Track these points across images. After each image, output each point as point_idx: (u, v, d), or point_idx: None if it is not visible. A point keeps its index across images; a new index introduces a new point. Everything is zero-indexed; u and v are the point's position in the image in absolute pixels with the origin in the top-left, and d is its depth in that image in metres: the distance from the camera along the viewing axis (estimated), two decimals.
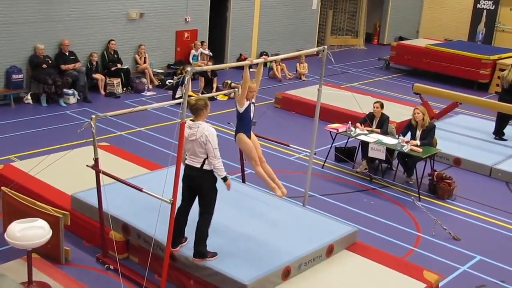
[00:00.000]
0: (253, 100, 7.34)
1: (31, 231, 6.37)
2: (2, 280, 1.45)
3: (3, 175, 9.13)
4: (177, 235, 6.82)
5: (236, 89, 9.75)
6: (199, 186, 6.76)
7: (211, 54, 17.66)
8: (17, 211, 7.33)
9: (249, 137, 7.41)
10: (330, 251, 7.46)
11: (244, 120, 7.31)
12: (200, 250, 6.79)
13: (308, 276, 7.04)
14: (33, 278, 6.63)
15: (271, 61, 17.70)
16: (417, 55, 19.77)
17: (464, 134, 13.15)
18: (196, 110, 6.67)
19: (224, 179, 6.78)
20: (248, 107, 7.26)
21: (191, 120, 6.69)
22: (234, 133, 7.43)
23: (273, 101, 15.22)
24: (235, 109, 9.00)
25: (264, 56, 8.25)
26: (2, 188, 7.88)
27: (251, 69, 7.30)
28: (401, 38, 24.25)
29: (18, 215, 6.93)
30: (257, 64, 7.60)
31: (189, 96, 6.47)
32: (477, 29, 23.61)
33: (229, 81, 15.91)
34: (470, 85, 18.27)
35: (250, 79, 7.15)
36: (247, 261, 6.88)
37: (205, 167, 6.66)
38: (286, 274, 6.85)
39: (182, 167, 6.78)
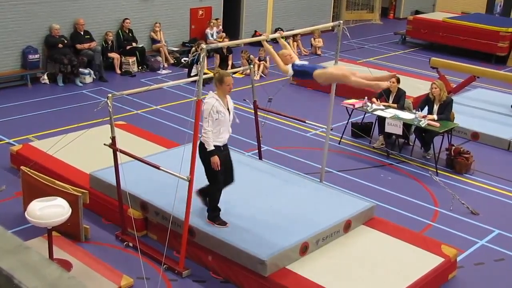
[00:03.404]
0: (296, 61, 7.18)
1: (51, 210, 6.43)
2: (27, 252, 1.49)
3: (22, 154, 9.22)
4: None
5: (252, 66, 9.74)
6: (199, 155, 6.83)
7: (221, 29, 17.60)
8: (36, 190, 7.40)
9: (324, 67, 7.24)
10: (347, 226, 7.47)
11: (303, 71, 7.14)
12: (209, 214, 7.08)
13: (325, 251, 7.06)
14: (54, 255, 6.72)
15: (286, 37, 17.58)
16: (434, 29, 19.55)
17: (482, 108, 13.04)
18: (214, 82, 6.89)
19: (209, 153, 6.71)
20: (295, 65, 7.11)
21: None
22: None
23: (289, 77, 15.13)
24: (250, 85, 9.03)
25: (279, 32, 8.20)
26: (22, 167, 7.96)
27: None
28: (417, 12, 23.98)
29: (37, 194, 7.00)
30: (272, 39, 7.58)
31: (205, 73, 6.49)
32: (495, 1, 23.26)
33: (248, 52, 15.80)
34: (488, 58, 18.06)
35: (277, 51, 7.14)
36: (265, 237, 6.92)
37: (201, 138, 6.75)
38: (304, 249, 6.87)
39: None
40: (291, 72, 7.16)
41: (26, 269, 1.43)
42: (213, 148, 6.71)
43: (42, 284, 1.40)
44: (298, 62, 7.21)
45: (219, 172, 6.83)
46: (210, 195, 7.10)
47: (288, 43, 17.40)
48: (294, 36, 17.56)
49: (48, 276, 1.41)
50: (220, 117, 6.76)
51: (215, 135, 6.77)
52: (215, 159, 6.72)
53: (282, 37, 7.65)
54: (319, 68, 7.15)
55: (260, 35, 18.29)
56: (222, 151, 6.93)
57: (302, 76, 7.32)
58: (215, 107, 6.71)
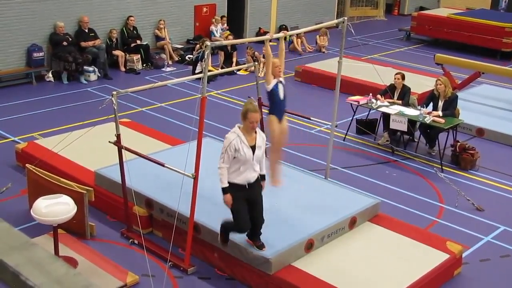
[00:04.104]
0: (281, 79, 7.07)
1: (56, 207, 6.45)
2: (34, 249, 1.50)
3: (27, 152, 9.24)
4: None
5: (257, 63, 9.74)
6: None
7: (227, 27, 17.60)
8: (42, 187, 7.43)
9: (280, 120, 7.12)
10: (352, 223, 7.47)
11: (272, 99, 7.02)
12: (222, 226, 6.63)
13: (331, 248, 7.06)
14: (60, 253, 6.73)
15: (291, 35, 17.56)
16: (439, 25, 19.49)
17: (487, 104, 13.00)
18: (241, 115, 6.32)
19: (223, 191, 6.29)
20: (276, 86, 6.98)
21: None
22: (269, 115, 7.17)
23: (294, 74, 15.15)
24: (255, 83, 9.03)
25: (284, 31, 8.17)
26: (27, 165, 7.99)
27: (270, 43, 7.24)
28: (421, 8, 23.92)
29: (43, 191, 7.02)
30: (277, 38, 7.54)
31: (210, 70, 6.45)
32: None
33: (253, 49, 15.79)
34: (493, 54, 17.99)
35: (274, 56, 7.03)
36: (270, 234, 6.91)
37: None
38: (309, 246, 6.87)
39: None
40: (270, 88, 6.97)
41: (33, 265, 1.43)
42: (226, 185, 6.27)
43: (48, 281, 1.41)
44: (281, 83, 7.06)
45: (240, 210, 6.35)
46: (228, 223, 6.56)
47: (292, 41, 17.62)
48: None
49: (54, 272, 1.42)
50: (238, 156, 6.18)
51: (235, 173, 6.26)
52: (227, 198, 6.31)
53: (285, 37, 7.61)
54: (277, 114, 7.09)
55: (265, 32, 18.34)
56: (246, 189, 6.36)
57: (269, 100, 7.12)
58: (232, 145, 6.17)
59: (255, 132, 6.39)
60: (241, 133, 6.26)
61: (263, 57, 15.43)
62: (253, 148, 6.30)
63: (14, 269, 1.41)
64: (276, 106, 7.08)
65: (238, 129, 6.31)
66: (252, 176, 6.36)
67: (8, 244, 1.50)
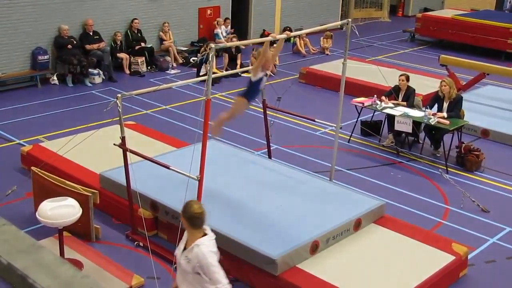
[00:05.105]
0: (268, 72, 7.23)
1: (61, 210, 6.46)
2: (41, 251, 1.51)
3: (32, 155, 9.26)
4: None
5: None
6: None
7: (232, 31, 17.62)
8: (47, 190, 7.44)
9: (248, 105, 7.33)
10: (358, 225, 7.46)
11: (252, 89, 7.15)
12: None
13: (336, 250, 7.05)
14: (65, 255, 6.74)
15: (294, 36, 17.56)
16: (443, 26, 19.47)
17: (492, 105, 12.97)
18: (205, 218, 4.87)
19: None
20: (261, 79, 7.09)
21: (202, 236, 4.85)
22: (240, 96, 7.26)
23: (298, 76, 15.14)
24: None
25: (287, 32, 8.16)
26: (32, 168, 8.00)
27: (274, 45, 7.25)
28: (426, 10, 23.89)
29: (48, 194, 7.04)
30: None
31: (214, 73, 6.44)
32: None
33: (254, 52, 15.80)
34: (497, 55, 17.96)
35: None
36: (275, 236, 6.92)
37: None
38: (314, 248, 6.87)
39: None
40: (255, 79, 7.03)
41: (40, 268, 1.44)
42: None
43: (55, 283, 1.41)
44: (266, 76, 7.16)
45: None
46: None
47: (295, 43, 17.60)
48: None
49: (62, 275, 1.42)
50: None
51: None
52: None
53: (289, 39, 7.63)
54: (249, 100, 7.20)
55: (269, 34, 18.33)
56: None
57: (248, 87, 7.17)
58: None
59: None
60: None
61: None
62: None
63: (22, 271, 1.42)
64: (252, 94, 7.22)
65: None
66: None
67: (15, 247, 1.50)
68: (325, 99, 13.48)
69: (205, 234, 4.85)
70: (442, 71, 14.26)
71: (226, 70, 14.89)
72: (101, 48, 14.62)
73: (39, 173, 7.77)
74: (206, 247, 4.72)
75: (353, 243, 7.23)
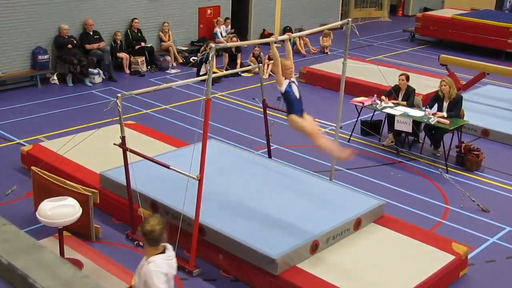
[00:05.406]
0: (293, 79, 6.95)
1: (61, 210, 6.46)
2: (41, 251, 1.51)
3: (32, 155, 9.26)
4: None
5: (261, 64, 9.75)
6: None
7: (232, 30, 17.63)
8: (47, 190, 7.44)
9: (301, 116, 6.94)
10: (357, 224, 7.46)
11: (289, 100, 6.88)
12: None
13: (336, 249, 7.06)
14: (65, 255, 6.74)
15: (296, 37, 17.56)
16: (443, 26, 19.47)
17: (492, 105, 12.97)
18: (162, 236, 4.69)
19: None
20: (289, 86, 6.85)
21: (157, 254, 4.68)
22: (288, 115, 6.99)
23: (298, 76, 15.13)
24: (259, 84, 9.04)
25: (288, 33, 8.14)
26: (32, 167, 8.00)
27: (276, 44, 7.23)
28: (426, 9, 23.89)
29: (48, 194, 7.04)
30: (282, 40, 7.52)
31: (214, 72, 6.42)
32: None
33: (258, 49, 15.79)
34: (497, 55, 17.96)
35: (281, 57, 6.94)
36: (275, 235, 6.92)
37: None
38: (314, 248, 6.87)
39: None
40: (283, 89, 6.82)
41: (40, 268, 1.44)
42: None
43: (55, 283, 1.41)
44: (294, 82, 6.92)
45: None
46: None
47: (295, 43, 17.61)
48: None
49: (62, 275, 1.42)
50: None
51: None
52: None
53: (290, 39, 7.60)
54: (297, 112, 6.89)
55: (269, 33, 18.34)
56: None
57: (285, 101, 6.96)
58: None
59: None
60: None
61: (268, 59, 15.45)
62: None
63: (22, 271, 1.42)
64: (294, 105, 6.90)
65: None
66: None
67: (16, 247, 1.51)
68: (325, 99, 13.48)
69: (162, 252, 4.68)
70: (442, 71, 14.26)
71: (226, 69, 14.89)
72: (101, 48, 14.62)
73: (39, 172, 7.77)
74: (154, 266, 4.55)
75: (353, 243, 7.23)
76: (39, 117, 12.01)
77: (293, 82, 6.94)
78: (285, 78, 6.86)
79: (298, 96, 6.91)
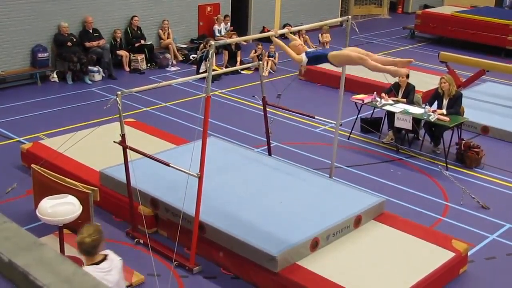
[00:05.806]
0: (307, 48, 7.02)
1: (62, 207, 6.46)
2: (42, 249, 1.51)
3: (32, 153, 9.26)
4: None
5: (261, 62, 9.75)
6: None
7: (231, 28, 17.62)
8: (47, 188, 7.44)
9: None
10: (358, 221, 7.47)
11: (318, 55, 6.87)
12: None
13: (336, 247, 7.06)
14: (65, 253, 6.75)
15: (295, 32, 17.52)
16: (443, 23, 19.46)
17: (492, 102, 12.97)
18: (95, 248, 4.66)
19: None
20: (307, 53, 6.88)
21: (91, 264, 4.65)
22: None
23: (298, 73, 15.14)
24: (259, 82, 9.04)
25: (288, 27, 8.16)
26: (32, 165, 8.00)
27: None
28: (426, 6, 23.88)
29: (48, 192, 7.03)
30: (282, 35, 7.55)
31: (214, 70, 6.43)
32: None
33: (260, 46, 15.77)
34: (497, 52, 17.96)
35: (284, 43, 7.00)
36: (275, 233, 6.93)
37: None
38: (315, 245, 6.88)
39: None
40: (305, 59, 6.92)
41: (41, 265, 1.44)
42: None
43: (56, 281, 1.41)
44: (309, 50, 7.07)
45: None
46: None
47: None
48: (300, 31, 17.50)
49: (63, 272, 1.42)
50: None
51: None
52: None
53: (291, 33, 7.61)
54: (332, 51, 6.91)
55: (269, 31, 18.31)
56: None
57: (316, 61, 7.06)
58: None
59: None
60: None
61: (268, 56, 15.45)
62: None
63: (23, 269, 1.42)
64: (325, 51, 6.93)
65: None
66: None
67: (16, 244, 1.51)
68: (325, 96, 13.48)
69: (98, 263, 4.60)
70: (442, 68, 14.27)
71: (226, 67, 14.89)
72: (100, 46, 14.62)
73: (39, 170, 7.77)
74: None
75: (353, 240, 7.24)
76: (39, 115, 12.01)
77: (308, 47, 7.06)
78: (300, 53, 6.94)
79: (323, 50, 7.03)
